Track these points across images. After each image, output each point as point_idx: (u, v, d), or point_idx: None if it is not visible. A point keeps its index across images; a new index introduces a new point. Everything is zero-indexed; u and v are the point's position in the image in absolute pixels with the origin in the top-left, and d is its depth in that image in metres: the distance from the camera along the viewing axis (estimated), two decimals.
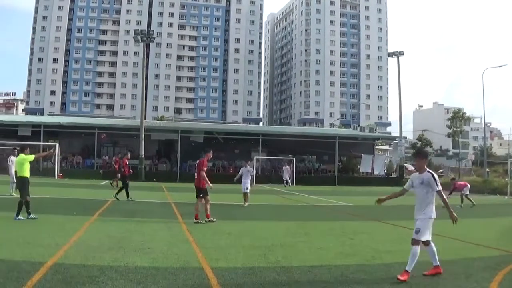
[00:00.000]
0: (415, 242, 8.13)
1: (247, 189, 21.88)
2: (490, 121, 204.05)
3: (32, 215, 13.89)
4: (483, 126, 70.55)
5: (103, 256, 8.86)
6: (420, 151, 9.05)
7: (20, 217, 13.74)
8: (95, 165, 48.71)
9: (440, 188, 8.26)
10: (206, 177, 15.22)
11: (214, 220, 14.97)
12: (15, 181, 21.49)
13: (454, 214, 8.38)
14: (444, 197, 8.29)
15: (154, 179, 44.58)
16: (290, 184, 43.85)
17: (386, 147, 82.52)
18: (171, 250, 9.75)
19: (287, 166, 45.43)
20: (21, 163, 14.32)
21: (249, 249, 10.32)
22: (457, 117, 75.71)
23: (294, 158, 49.83)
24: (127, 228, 12.91)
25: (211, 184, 15.47)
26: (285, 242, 11.53)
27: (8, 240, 10.34)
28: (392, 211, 22.24)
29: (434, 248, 8.34)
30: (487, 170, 53.88)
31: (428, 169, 8.38)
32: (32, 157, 14.70)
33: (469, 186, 26.22)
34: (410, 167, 69.19)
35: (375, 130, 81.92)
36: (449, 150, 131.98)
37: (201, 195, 15.31)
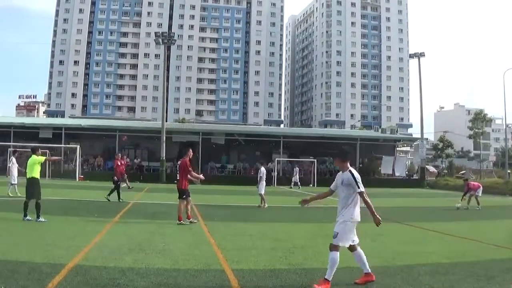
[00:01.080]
0: (333, 247, 7.64)
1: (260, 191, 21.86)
2: (511, 122, 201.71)
3: (41, 219, 13.82)
4: (504, 127, 69.74)
5: (124, 258, 8.89)
6: (339, 154, 8.48)
7: (29, 217, 13.82)
8: None
9: (361, 189, 7.75)
10: (195, 174, 15.90)
11: (196, 221, 14.94)
12: (16, 182, 21.69)
13: (378, 216, 8.00)
14: (367, 199, 7.77)
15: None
16: (299, 186, 43.39)
17: (408, 148, 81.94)
18: (192, 252, 9.76)
19: (297, 168, 45.15)
20: (32, 165, 14.38)
21: (270, 251, 10.30)
22: (479, 118, 75.10)
23: (316, 160, 49.64)
24: (148, 230, 12.95)
25: (201, 176, 16.45)
26: (306, 244, 11.53)
27: (29, 242, 10.41)
28: (413, 212, 22.14)
29: (362, 254, 7.91)
30: (508, 171, 53.33)
31: (350, 168, 7.95)
32: (43, 158, 14.82)
33: (481, 187, 25.86)
34: (432, 168, 68.83)
35: (396, 131, 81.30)
36: (471, 151, 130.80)
37: (183, 196, 15.35)
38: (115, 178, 22.06)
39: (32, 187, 14.16)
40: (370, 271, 7.68)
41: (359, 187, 7.73)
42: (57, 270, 7.57)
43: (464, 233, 14.30)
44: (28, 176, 14.37)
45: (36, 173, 14.29)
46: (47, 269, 7.65)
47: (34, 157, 14.53)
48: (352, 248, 7.86)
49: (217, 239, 11.65)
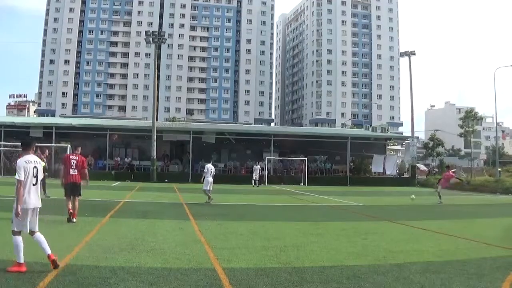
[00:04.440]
0: (13, 232, 7.72)
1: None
2: (502, 120, 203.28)
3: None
4: (495, 125, 70.03)
5: (115, 257, 8.89)
6: (22, 143, 8.33)
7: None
8: (107, 166, 48.75)
9: (17, 177, 7.65)
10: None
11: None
12: None
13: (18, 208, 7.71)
14: (19, 189, 7.64)
15: (166, 180, 44.65)
16: (257, 185, 42.99)
17: (398, 147, 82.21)
18: (183, 251, 9.75)
19: (258, 166, 45.02)
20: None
21: (261, 249, 10.30)
22: (469, 117, 75.20)
23: (306, 158, 49.74)
24: (139, 229, 12.93)
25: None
26: (297, 242, 11.51)
27: None
28: (404, 211, 22.23)
29: (41, 239, 7.89)
30: (499, 169, 53.45)
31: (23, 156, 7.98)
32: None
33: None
34: (422, 167, 69.16)
35: (387, 130, 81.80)
36: (461, 149, 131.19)
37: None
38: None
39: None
40: (23, 262, 7.60)
41: (17, 175, 7.68)
42: (48, 269, 7.55)
43: (455, 231, 14.35)
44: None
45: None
46: (39, 269, 7.65)
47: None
48: (31, 233, 7.94)
49: (208, 238, 11.64)
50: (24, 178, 7.67)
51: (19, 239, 7.67)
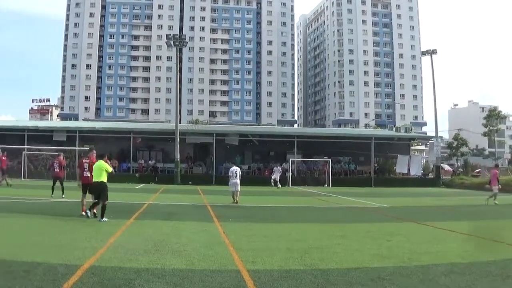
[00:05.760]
0: None
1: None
2: None
3: (104, 219, 14.58)
4: None
5: (140, 258, 8.89)
6: None
7: (105, 219, 14.48)
8: (131, 169, 48.93)
9: None
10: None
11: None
12: None
13: None
14: None
15: (190, 182, 44.65)
16: (278, 186, 42.77)
17: (422, 147, 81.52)
18: (207, 253, 9.74)
19: (278, 167, 44.85)
20: (99, 169, 15.11)
21: (286, 251, 10.24)
22: (493, 116, 74.62)
23: (330, 159, 49.42)
24: (163, 231, 12.96)
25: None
26: (322, 244, 11.44)
27: (44, 243, 10.47)
28: (428, 212, 21.96)
29: None
30: None
31: None
32: (110, 169, 15.47)
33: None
34: (447, 167, 68.38)
35: (411, 130, 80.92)
36: (485, 149, 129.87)
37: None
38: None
39: (100, 190, 15.05)
40: None
41: None
42: (73, 271, 7.59)
43: (479, 232, 14.18)
44: (95, 180, 15.11)
45: (104, 177, 15.07)
46: (63, 270, 7.67)
47: (101, 162, 15.26)
48: None
49: (232, 239, 11.61)
50: None
51: None
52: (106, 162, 15.65)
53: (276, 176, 43.08)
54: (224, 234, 12.64)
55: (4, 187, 30.19)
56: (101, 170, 15.08)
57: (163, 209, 19.56)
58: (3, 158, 33.02)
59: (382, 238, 12.71)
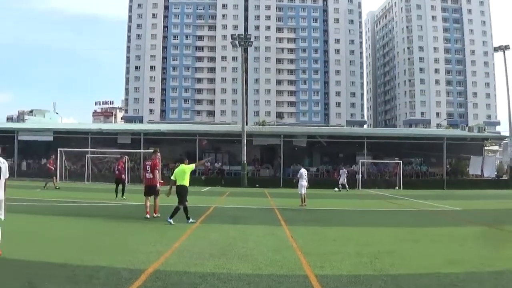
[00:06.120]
0: None
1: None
2: None
3: (191, 219, 15.18)
4: None
5: (205, 263, 8.88)
6: None
7: (170, 220, 14.66)
8: (196, 172, 48.81)
9: None
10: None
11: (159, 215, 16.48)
12: None
13: None
14: None
15: (257, 185, 44.55)
16: (343, 189, 41.41)
17: (496, 147, 78.74)
18: (274, 257, 9.63)
19: (345, 170, 43.73)
20: (181, 173, 15.58)
21: (355, 256, 10.06)
22: None
23: (401, 161, 48.37)
24: (230, 235, 12.91)
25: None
26: (392, 249, 11.22)
27: (108, 247, 10.61)
28: (502, 215, 21.15)
29: None
30: None
31: None
32: (193, 166, 16.21)
33: None
34: None
35: (484, 130, 78.31)
36: None
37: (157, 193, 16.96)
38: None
39: (182, 193, 15.47)
40: None
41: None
42: (136, 275, 7.63)
43: None
44: (178, 183, 15.58)
45: (186, 181, 15.57)
46: (127, 274, 7.71)
47: (183, 166, 15.73)
48: None
49: (300, 244, 11.48)
50: None
51: None
52: (189, 163, 16.20)
53: (343, 179, 42.19)
54: (292, 238, 12.50)
55: (51, 190, 30.96)
56: (184, 173, 15.52)
57: (230, 212, 19.50)
58: (51, 162, 34.28)
59: (454, 243, 12.48)
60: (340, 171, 43.65)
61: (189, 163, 16.15)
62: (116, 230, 13.50)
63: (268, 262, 9.10)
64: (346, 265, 8.97)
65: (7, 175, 9.04)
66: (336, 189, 40.56)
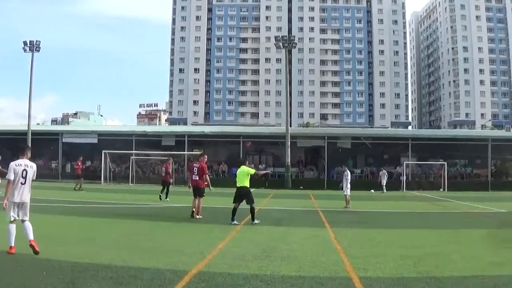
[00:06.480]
0: (9, 222, 9.17)
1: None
2: None
3: (256, 221, 15.54)
4: None
5: (249, 264, 8.91)
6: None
7: (256, 221, 15.54)
8: None
9: (8, 177, 9.10)
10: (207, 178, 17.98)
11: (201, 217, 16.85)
12: None
13: None
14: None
15: (301, 187, 44.37)
16: (384, 190, 40.92)
17: None
18: (318, 259, 9.63)
19: (385, 171, 43.12)
20: (242, 175, 16.03)
21: (399, 258, 10.01)
22: None
23: (446, 162, 47.64)
24: (273, 236, 12.97)
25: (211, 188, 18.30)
26: (436, 251, 11.11)
27: (153, 248, 10.66)
28: None
29: (27, 227, 9.13)
30: None
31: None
32: (253, 171, 16.51)
33: None
34: None
35: None
36: None
37: (203, 195, 17.54)
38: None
39: (244, 194, 16.00)
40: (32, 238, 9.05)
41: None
42: (180, 276, 7.68)
43: None
44: (238, 185, 16.08)
45: (247, 182, 15.99)
46: (170, 276, 7.75)
47: (244, 168, 16.16)
48: (22, 222, 9.25)
49: (343, 246, 11.45)
50: (13, 178, 9.06)
51: (12, 226, 9.15)
52: (249, 166, 16.68)
53: (383, 181, 41.79)
54: (335, 240, 12.47)
55: (78, 191, 31.64)
56: (244, 175, 15.91)
57: (273, 214, 19.52)
58: (79, 163, 34.96)
59: (499, 245, 12.33)
60: (380, 172, 43.29)
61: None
62: (159, 232, 13.60)
63: (311, 264, 9.09)
64: (389, 268, 8.93)
65: (34, 178, 9.52)
66: (372, 190, 40.28)
